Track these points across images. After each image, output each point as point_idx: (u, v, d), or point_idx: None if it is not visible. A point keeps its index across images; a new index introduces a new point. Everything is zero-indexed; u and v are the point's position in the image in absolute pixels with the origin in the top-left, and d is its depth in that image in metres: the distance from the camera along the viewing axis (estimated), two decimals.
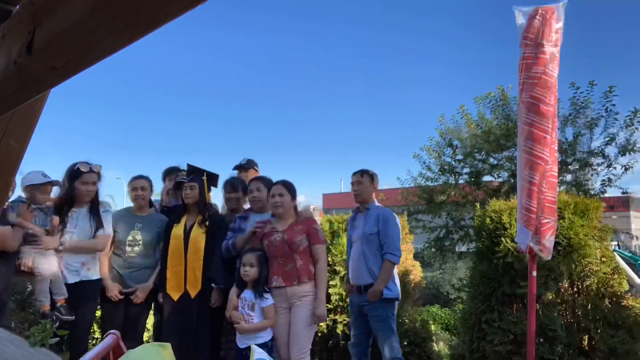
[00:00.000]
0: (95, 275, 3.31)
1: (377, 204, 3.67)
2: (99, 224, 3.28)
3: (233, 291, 3.12)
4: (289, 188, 3.22)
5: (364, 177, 3.63)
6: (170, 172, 4.13)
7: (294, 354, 3.00)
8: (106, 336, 2.31)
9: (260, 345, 2.90)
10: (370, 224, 3.50)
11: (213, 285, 3.34)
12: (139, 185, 3.56)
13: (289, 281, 3.06)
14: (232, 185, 3.70)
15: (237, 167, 4.17)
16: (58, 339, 2.24)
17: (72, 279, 3.19)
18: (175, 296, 3.34)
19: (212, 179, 3.57)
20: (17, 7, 1.03)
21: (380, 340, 3.44)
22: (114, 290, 3.36)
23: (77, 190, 3.23)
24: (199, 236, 3.39)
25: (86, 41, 0.73)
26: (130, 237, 3.47)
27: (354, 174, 3.70)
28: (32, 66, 0.84)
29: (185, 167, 4.30)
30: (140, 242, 3.48)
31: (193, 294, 3.34)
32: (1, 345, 1.66)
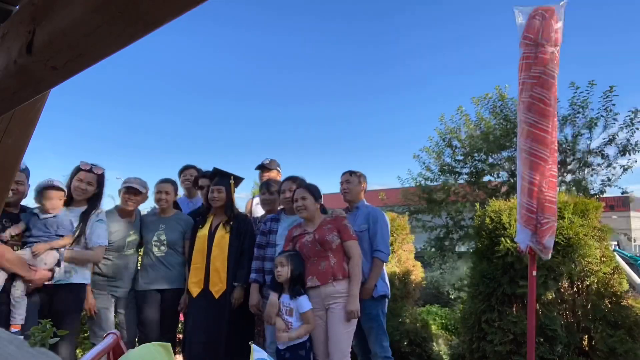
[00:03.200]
0: (78, 279, 3.19)
1: (365, 203, 3.74)
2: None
3: (273, 296, 3.10)
4: (311, 190, 3.24)
5: (352, 177, 3.72)
6: (184, 170, 4.33)
7: (335, 357, 2.97)
8: (106, 336, 2.31)
9: (298, 346, 2.94)
10: (359, 222, 3.54)
11: (235, 283, 3.38)
12: (164, 189, 3.66)
13: (324, 280, 3.04)
14: (267, 187, 3.74)
15: (259, 167, 4.18)
16: (58, 339, 2.24)
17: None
18: (195, 293, 3.39)
19: (238, 182, 3.68)
20: (17, 7, 1.03)
21: (371, 338, 3.46)
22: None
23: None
24: (223, 236, 3.46)
25: (86, 41, 0.73)
26: (155, 238, 3.58)
27: (343, 174, 3.79)
28: (32, 66, 0.84)
29: (196, 166, 4.43)
30: (165, 243, 3.57)
31: (217, 294, 3.37)
32: (1, 345, 1.66)
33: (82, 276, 3.23)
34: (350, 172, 3.75)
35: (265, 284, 3.37)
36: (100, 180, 3.37)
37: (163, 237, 3.56)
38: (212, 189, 3.52)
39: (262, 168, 4.15)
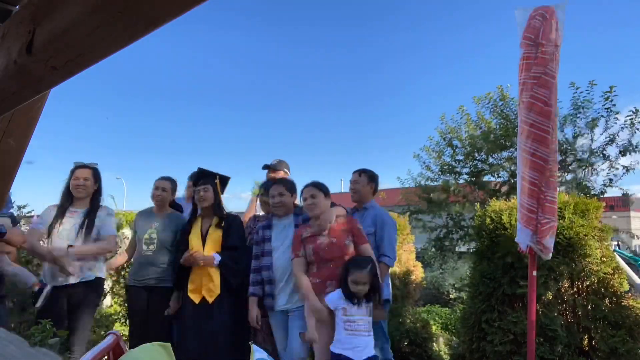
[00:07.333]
0: (95, 274, 3.31)
1: (374, 204, 3.63)
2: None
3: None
4: (320, 187, 3.10)
5: (362, 176, 3.61)
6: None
7: None
8: (106, 336, 2.31)
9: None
10: (367, 224, 3.44)
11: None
12: (161, 186, 3.70)
13: (340, 285, 2.92)
14: (267, 189, 3.62)
15: (266, 167, 4.08)
16: (58, 338, 2.24)
17: (72, 280, 3.21)
18: (197, 299, 3.26)
19: (224, 181, 3.60)
20: (17, 7, 1.02)
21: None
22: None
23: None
24: (217, 238, 3.36)
25: (86, 41, 0.73)
26: (147, 236, 3.60)
27: (354, 172, 3.68)
28: (32, 66, 0.84)
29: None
30: (156, 241, 3.57)
31: (211, 299, 3.24)
32: (1, 345, 1.66)
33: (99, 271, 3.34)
34: (360, 172, 3.64)
35: (264, 295, 3.24)
36: (96, 175, 3.43)
37: (154, 236, 3.57)
38: (198, 189, 3.42)
39: (269, 168, 4.05)
